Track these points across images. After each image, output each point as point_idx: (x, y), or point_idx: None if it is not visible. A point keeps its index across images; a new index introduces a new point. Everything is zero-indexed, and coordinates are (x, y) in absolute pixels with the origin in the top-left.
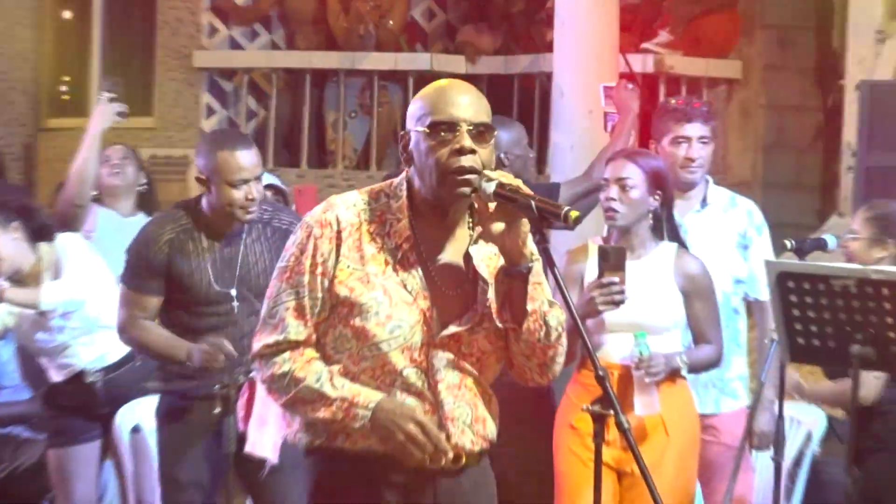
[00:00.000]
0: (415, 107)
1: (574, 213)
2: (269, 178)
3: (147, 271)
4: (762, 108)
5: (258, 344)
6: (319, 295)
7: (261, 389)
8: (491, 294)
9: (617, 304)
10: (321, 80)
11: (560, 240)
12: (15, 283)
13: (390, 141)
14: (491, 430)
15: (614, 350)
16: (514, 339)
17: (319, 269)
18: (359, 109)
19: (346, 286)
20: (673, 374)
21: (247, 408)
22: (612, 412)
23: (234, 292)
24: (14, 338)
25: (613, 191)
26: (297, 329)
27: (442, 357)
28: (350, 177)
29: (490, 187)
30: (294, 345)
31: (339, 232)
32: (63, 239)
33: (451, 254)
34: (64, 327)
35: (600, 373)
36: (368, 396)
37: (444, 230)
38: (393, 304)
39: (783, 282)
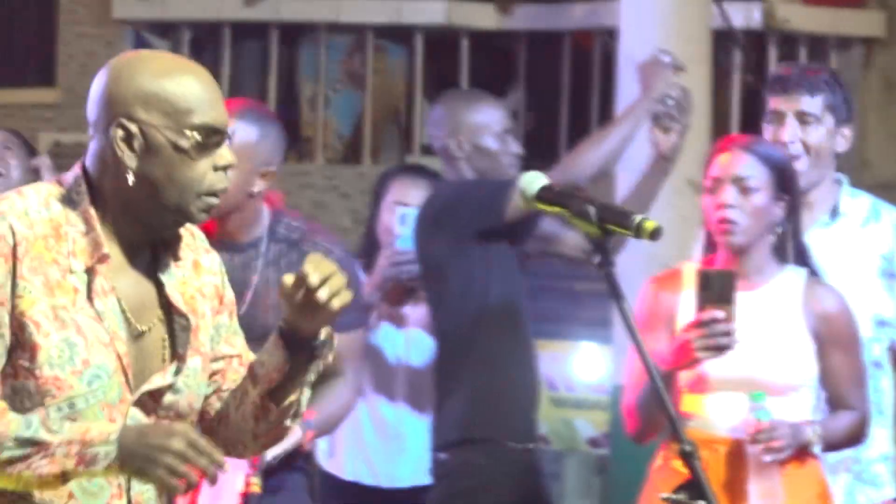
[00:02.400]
0: (150, 90)
1: (650, 224)
2: None
3: None
4: None
5: None
6: (3, 332)
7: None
8: (206, 341)
9: (722, 349)
10: (293, 39)
11: (629, 261)
12: None
13: (390, 123)
14: None
15: (720, 416)
16: (250, 416)
17: None
18: (346, 80)
19: (30, 321)
20: (802, 452)
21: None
22: (700, 503)
23: None
24: None
25: (730, 193)
26: None
27: (136, 419)
28: (333, 174)
29: (534, 186)
30: None
31: (14, 248)
32: None
33: (138, 277)
34: None
35: (686, 448)
36: (103, 428)
37: (135, 247)
38: (89, 346)
39: None
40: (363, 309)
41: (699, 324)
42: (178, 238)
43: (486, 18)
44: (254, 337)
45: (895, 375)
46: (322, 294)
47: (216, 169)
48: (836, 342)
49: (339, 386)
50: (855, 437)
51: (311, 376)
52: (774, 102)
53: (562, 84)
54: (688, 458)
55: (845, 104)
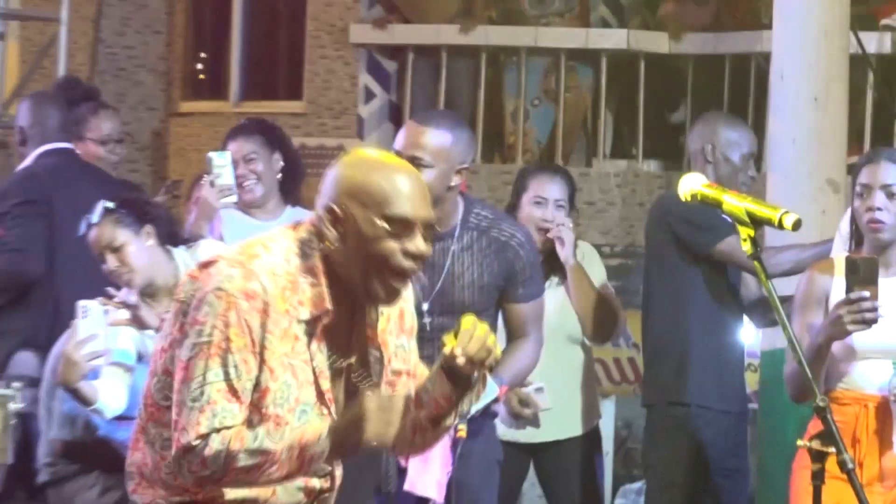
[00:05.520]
0: (357, 183)
1: (792, 218)
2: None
3: None
4: None
5: (187, 436)
6: (254, 375)
7: None
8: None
9: (868, 322)
10: (500, 60)
11: None
12: (146, 295)
13: (579, 132)
14: None
15: (868, 379)
16: (410, 429)
17: (254, 348)
18: (543, 96)
19: (268, 367)
20: None
21: None
22: (833, 449)
23: (426, 306)
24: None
25: (879, 198)
26: (232, 412)
27: None
28: None
29: (692, 186)
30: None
31: (266, 305)
32: (207, 248)
33: (345, 318)
34: None
35: (819, 403)
36: (313, 430)
37: (351, 302)
38: (299, 386)
39: None
40: (542, 282)
41: (849, 301)
42: None
43: (661, 44)
44: (448, 311)
45: None
46: (469, 368)
47: (405, 254)
48: None
49: (525, 346)
50: None
51: (465, 406)
52: None
53: (723, 100)
54: (820, 411)
55: None
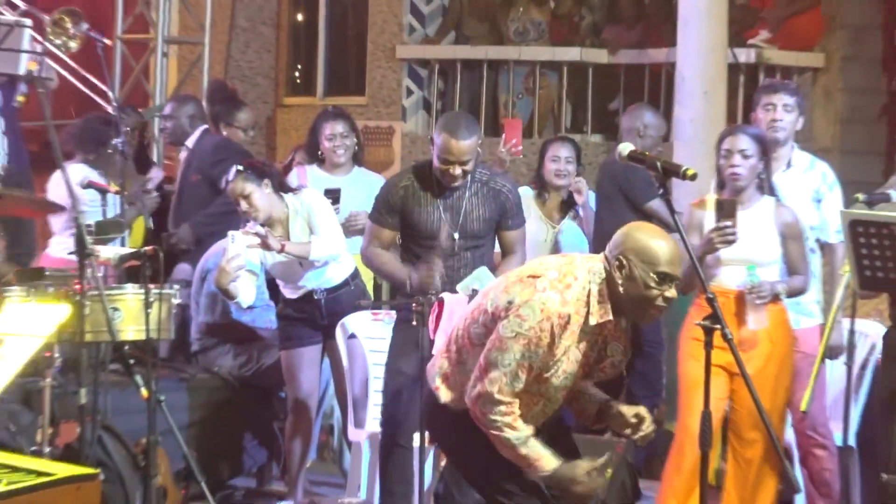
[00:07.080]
0: (640, 246)
1: (691, 171)
2: None
3: (385, 209)
4: (840, 90)
5: (491, 387)
6: (542, 362)
7: (447, 307)
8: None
9: (730, 243)
10: (495, 69)
11: (683, 192)
12: (267, 226)
13: (549, 116)
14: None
15: (730, 279)
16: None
17: (551, 347)
18: (524, 92)
19: (553, 353)
20: (775, 298)
21: (436, 321)
22: (718, 326)
23: (456, 234)
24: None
25: (737, 159)
26: (522, 381)
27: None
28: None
29: (626, 150)
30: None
31: (568, 321)
32: (308, 194)
33: (621, 330)
34: (312, 267)
35: (710, 295)
36: (548, 462)
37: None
38: (569, 364)
39: (855, 227)
40: (523, 215)
41: (717, 229)
42: None
43: (602, 57)
44: (468, 236)
45: (821, 256)
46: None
47: (663, 298)
48: (792, 238)
49: (514, 259)
50: (803, 290)
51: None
52: (767, 98)
53: (643, 94)
54: (710, 301)
55: (802, 103)
